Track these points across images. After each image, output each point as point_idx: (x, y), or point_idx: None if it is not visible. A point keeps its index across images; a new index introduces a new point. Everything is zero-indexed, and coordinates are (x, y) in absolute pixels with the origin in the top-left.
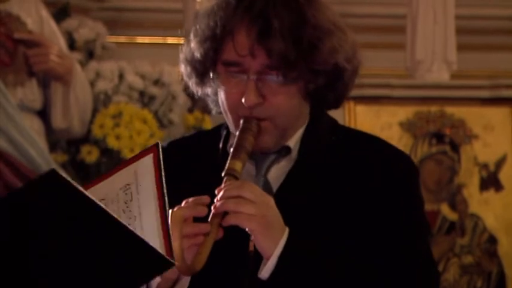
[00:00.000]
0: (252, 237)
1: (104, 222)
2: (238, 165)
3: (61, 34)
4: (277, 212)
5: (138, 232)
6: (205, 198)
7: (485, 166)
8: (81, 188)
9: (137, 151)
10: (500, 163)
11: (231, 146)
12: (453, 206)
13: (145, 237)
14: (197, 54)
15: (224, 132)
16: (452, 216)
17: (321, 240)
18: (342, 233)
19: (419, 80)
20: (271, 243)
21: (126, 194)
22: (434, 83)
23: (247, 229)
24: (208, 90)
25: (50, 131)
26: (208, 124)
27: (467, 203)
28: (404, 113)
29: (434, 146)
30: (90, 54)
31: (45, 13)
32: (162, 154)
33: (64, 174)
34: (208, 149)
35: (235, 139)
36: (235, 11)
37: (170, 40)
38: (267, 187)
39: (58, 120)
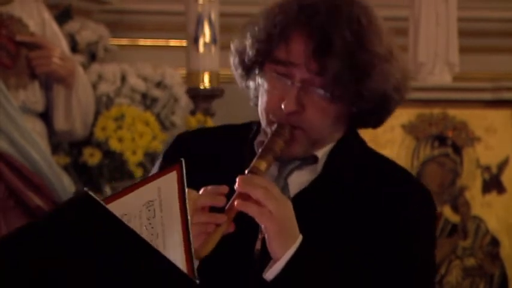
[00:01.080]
0: (266, 236)
1: (133, 245)
2: (263, 165)
3: (63, 36)
4: (294, 219)
5: (160, 250)
6: (224, 188)
7: (487, 168)
8: (111, 211)
9: (139, 153)
10: (502, 165)
11: (258, 143)
12: (455, 209)
13: (167, 255)
14: (249, 51)
15: (254, 128)
16: (454, 218)
17: (329, 255)
18: (348, 254)
19: (422, 83)
20: (283, 246)
21: (149, 210)
22: (436, 85)
23: (263, 227)
24: (251, 84)
25: (52, 133)
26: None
27: (469, 205)
28: (407, 115)
29: (437, 149)
30: (92, 57)
31: (47, 15)
32: (188, 139)
33: (95, 196)
34: (235, 141)
35: (266, 141)
36: (296, 17)
37: (172, 42)
38: (285, 190)
39: (60, 123)
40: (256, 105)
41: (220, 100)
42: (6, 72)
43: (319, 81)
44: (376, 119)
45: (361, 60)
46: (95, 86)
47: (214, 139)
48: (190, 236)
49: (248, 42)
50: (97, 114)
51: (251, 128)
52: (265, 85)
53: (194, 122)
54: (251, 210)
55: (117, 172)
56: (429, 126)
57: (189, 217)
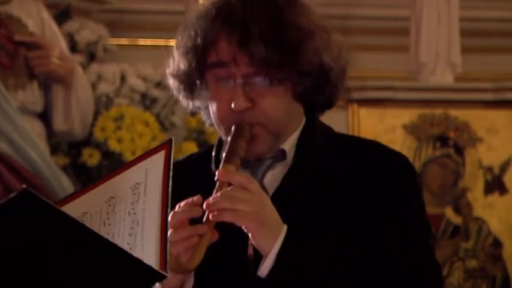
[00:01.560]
0: (250, 236)
1: (83, 239)
2: (231, 169)
3: (62, 36)
4: (274, 209)
5: (139, 239)
6: (198, 199)
7: (489, 169)
8: (54, 205)
9: (139, 154)
10: (504, 166)
11: (222, 155)
12: (457, 210)
13: (144, 246)
14: (182, 67)
15: (216, 142)
16: (456, 219)
17: (319, 239)
18: (339, 237)
19: (423, 83)
20: (269, 240)
21: (134, 194)
22: (438, 86)
23: (243, 227)
24: (198, 103)
25: (51, 134)
26: (211, 127)
27: (471, 206)
28: (408, 115)
29: (438, 149)
30: (91, 57)
31: (46, 15)
32: None
33: (37, 193)
34: (203, 163)
35: (227, 145)
36: (215, 20)
37: (172, 42)
38: None
39: (59, 123)
40: (213, 125)
41: None
42: (4, 72)
43: (254, 71)
44: (326, 96)
45: (286, 39)
46: (94, 86)
47: (185, 170)
48: (168, 223)
49: (177, 58)
50: (96, 114)
51: (212, 149)
52: (211, 95)
53: (194, 123)
54: (225, 217)
55: None
56: (431, 127)
57: (169, 203)
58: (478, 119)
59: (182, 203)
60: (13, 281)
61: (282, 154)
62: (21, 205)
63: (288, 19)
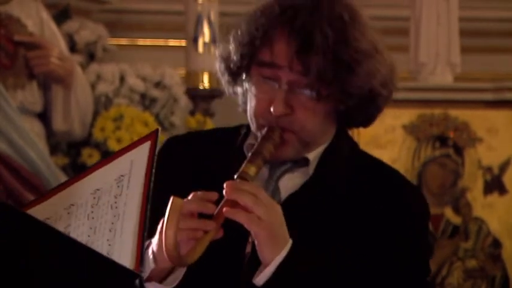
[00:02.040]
0: (256, 242)
1: (52, 242)
2: (252, 170)
3: (62, 36)
4: (284, 223)
5: (118, 235)
6: (213, 195)
7: (489, 169)
8: (17, 208)
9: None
10: (504, 166)
11: (248, 146)
12: (457, 210)
13: (122, 242)
14: (234, 57)
15: (244, 131)
16: (455, 220)
17: (321, 258)
18: (340, 257)
19: (423, 83)
20: (273, 251)
21: (118, 186)
22: (437, 86)
23: (252, 233)
24: (238, 90)
25: (50, 134)
26: (210, 127)
27: (471, 206)
28: (408, 115)
29: (438, 149)
30: (91, 57)
31: (45, 15)
32: (178, 143)
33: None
34: (225, 145)
35: (256, 145)
36: (278, 19)
37: (172, 42)
38: (275, 193)
39: (59, 123)
40: (245, 111)
41: (220, 100)
42: (4, 72)
43: (304, 81)
44: (365, 117)
45: (345, 57)
46: (93, 86)
47: (204, 143)
48: (147, 219)
49: (232, 47)
50: (95, 114)
51: (240, 131)
52: (253, 89)
53: (193, 123)
54: (239, 217)
55: None
56: (430, 127)
57: (150, 198)
58: (477, 119)
59: (198, 193)
60: None
61: (304, 161)
62: None
63: (350, 37)
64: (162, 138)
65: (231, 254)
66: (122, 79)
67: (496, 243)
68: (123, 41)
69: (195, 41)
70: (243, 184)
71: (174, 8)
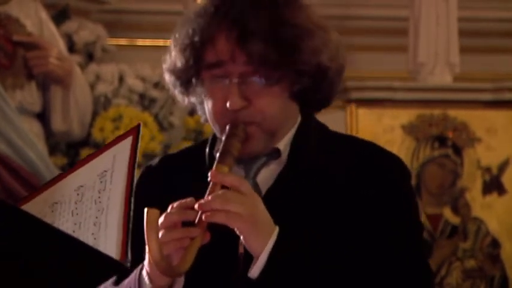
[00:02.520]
0: (241, 237)
1: (37, 233)
2: (224, 170)
3: (61, 36)
4: (266, 211)
5: (102, 228)
6: (191, 201)
7: (488, 169)
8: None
9: (138, 155)
10: (503, 166)
11: (217, 151)
12: (456, 210)
13: (107, 235)
14: (178, 63)
15: (210, 139)
16: (454, 220)
17: (311, 240)
18: (331, 236)
19: (422, 83)
20: (260, 242)
21: (101, 182)
22: (436, 86)
23: (235, 229)
24: (194, 99)
25: (49, 134)
26: (209, 127)
27: (469, 206)
28: (407, 116)
29: (437, 150)
30: (90, 57)
31: (44, 15)
32: (152, 172)
33: None
34: (195, 158)
35: (221, 145)
36: (213, 17)
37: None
38: (256, 190)
39: (58, 123)
40: (207, 121)
41: None
42: (3, 72)
43: (250, 69)
44: (323, 94)
45: (285, 37)
46: (92, 87)
47: (177, 164)
48: (131, 211)
49: (174, 54)
50: (95, 114)
51: (207, 141)
52: (207, 93)
53: (192, 123)
54: (218, 218)
55: None
56: (429, 127)
57: (133, 191)
58: (476, 119)
59: (175, 204)
60: None
61: (277, 152)
62: None
63: (286, 17)
64: (161, 139)
65: (225, 257)
66: (121, 79)
67: (495, 244)
68: (122, 41)
69: None
70: (225, 176)
71: (173, 8)
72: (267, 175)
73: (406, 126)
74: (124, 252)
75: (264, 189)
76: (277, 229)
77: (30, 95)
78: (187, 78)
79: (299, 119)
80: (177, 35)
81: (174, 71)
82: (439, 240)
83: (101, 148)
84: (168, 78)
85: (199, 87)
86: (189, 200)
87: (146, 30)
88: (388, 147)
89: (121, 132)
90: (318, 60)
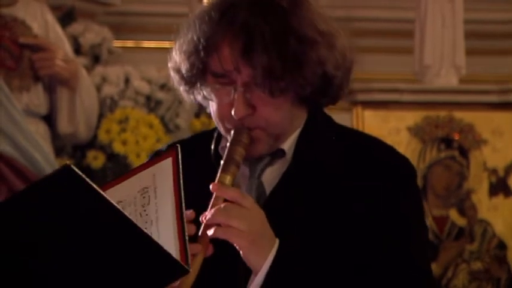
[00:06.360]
0: (241, 253)
1: (119, 223)
2: (227, 180)
3: (66, 38)
4: (267, 225)
5: (155, 237)
6: (190, 214)
7: (494, 171)
8: (95, 186)
9: (143, 156)
10: (509, 168)
11: (222, 148)
12: (462, 212)
13: (161, 243)
14: (183, 69)
15: (215, 134)
16: (461, 221)
17: (313, 247)
18: (336, 236)
19: (428, 85)
20: (260, 258)
21: (143, 197)
22: (442, 88)
23: (235, 245)
24: (199, 98)
25: (55, 136)
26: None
27: (476, 208)
28: (413, 117)
29: (443, 151)
30: (96, 59)
31: (50, 17)
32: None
33: (79, 172)
34: (202, 152)
35: (226, 151)
36: (218, 25)
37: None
38: (260, 189)
39: (64, 125)
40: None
41: None
42: (9, 74)
43: (256, 81)
44: (329, 97)
45: (289, 49)
46: (98, 89)
47: (186, 152)
48: (185, 223)
49: (178, 58)
50: (101, 116)
51: (213, 134)
52: (211, 96)
53: (198, 125)
54: (219, 234)
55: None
56: (435, 129)
57: (183, 204)
58: (482, 121)
59: None
60: (38, 259)
61: (282, 151)
62: (63, 181)
63: (291, 27)
64: (167, 141)
65: (227, 270)
66: (127, 81)
67: (501, 245)
68: (128, 43)
69: None
70: (227, 190)
71: (178, 10)
72: (272, 174)
73: (412, 128)
74: (184, 258)
75: (268, 188)
76: (276, 244)
77: (36, 97)
78: (192, 80)
79: (305, 116)
80: (181, 40)
81: (178, 72)
82: (446, 242)
83: (134, 169)
84: (172, 75)
85: (204, 89)
86: (189, 212)
87: (152, 32)
88: None
89: (127, 134)
90: (323, 70)
